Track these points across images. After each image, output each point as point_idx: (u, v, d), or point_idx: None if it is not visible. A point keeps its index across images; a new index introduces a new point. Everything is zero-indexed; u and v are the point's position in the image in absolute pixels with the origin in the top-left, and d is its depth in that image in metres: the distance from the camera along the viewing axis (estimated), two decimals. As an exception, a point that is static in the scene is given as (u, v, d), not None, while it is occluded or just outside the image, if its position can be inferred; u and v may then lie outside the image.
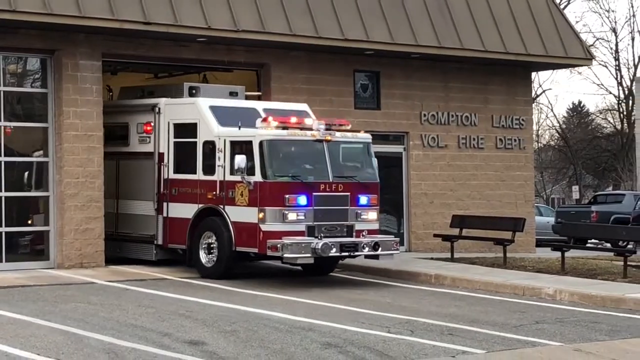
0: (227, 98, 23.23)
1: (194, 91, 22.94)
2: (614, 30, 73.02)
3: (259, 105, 22.71)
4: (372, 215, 21.49)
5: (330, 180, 20.77)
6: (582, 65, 42.19)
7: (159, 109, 22.75)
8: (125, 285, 20.36)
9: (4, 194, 22.59)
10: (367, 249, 20.84)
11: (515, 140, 30.05)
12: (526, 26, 28.41)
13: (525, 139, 30.62)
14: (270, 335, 15.24)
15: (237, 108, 22.31)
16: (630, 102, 70.06)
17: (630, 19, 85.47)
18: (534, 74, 34.71)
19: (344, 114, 24.03)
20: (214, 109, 21.76)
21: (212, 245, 21.28)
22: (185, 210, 21.93)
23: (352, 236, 20.96)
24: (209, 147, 21.50)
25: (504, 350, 14.89)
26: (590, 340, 15.84)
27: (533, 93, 48.08)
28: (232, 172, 20.62)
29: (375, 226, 21.72)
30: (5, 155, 22.69)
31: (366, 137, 22.08)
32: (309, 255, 19.96)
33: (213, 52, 24.61)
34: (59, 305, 17.59)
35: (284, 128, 20.67)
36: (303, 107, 23.43)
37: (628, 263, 23.10)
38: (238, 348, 14.31)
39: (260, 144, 20.26)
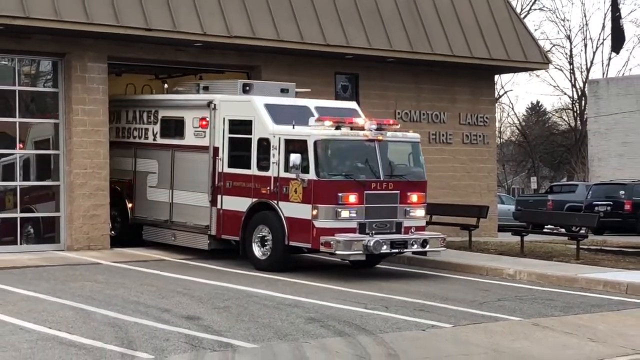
0: (279, 95, 21.68)
1: (247, 88, 21.45)
2: (568, 37, 73.30)
3: (311, 104, 21.00)
4: (420, 212, 20.10)
5: (381, 179, 19.31)
6: (540, 69, 42.34)
7: (215, 105, 21.12)
8: (129, 266, 20.32)
9: (19, 183, 22.58)
10: (415, 245, 19.47)
11: (479, 136, 30.09)
12: (490, 33, 28.44)
13: (489, 135, 30.65)
14: (259, 311, 15.24)
15: (290, 106, 20.72)
16: (583, 102, 70.42)
17: (583, 27, 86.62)
18: (496, 77, 34.72)
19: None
20: (268, 107, 20.20)
21: (265, 239, 19.76)
22: (239, 204, 20.31)
23: (400, 233, 19.51)
24: (264, 144, 19.88)
25: (470, 325, 14.94)
26: (546, 315, 15.90)
27: (496, 94, 48.17)
28: (286, 169, 19.15)
29: (423, 223, 20.37)
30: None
31: (415, 136, 20.63)
32: (360, 252, 18.65)
33: (208, 55, 24.57)
34: (68, 283, 17.57)
35: (337, 127, 19.18)
36: (352, 105, 22.33)
37: (580, 246, 23.28)
38: (230, 322, 14.31)
39: (315, 143, 18.80)
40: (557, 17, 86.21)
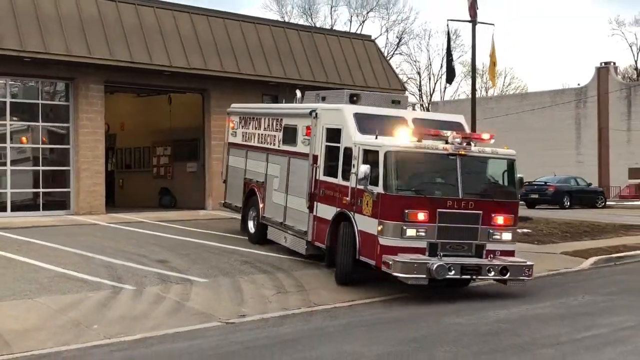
0: (389, 106, 15.22)
1: (354, 98, 15.35)
2: (418, 73, 74.52)
3: (410, 115, 14.47)
4: (507, 236, 12.80)
5: (460, 197, 12.44)
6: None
7: (316, 114, 15.02)
8: (119, 226, 19.98)
9: (41, 167, 22.07)
10: (492, 273, 12.41)
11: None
12: (366, 69, 28.59)
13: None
14: (209, 257, 15.17)
15: (384, 116, 14.05)
16: (428, 116, 71.52)
17: (428, 66, 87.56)
18: (371, 98, 35.02)
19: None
20: (357, 116, 13.91)
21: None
22: (327, 212, 14.09)
23: (481, 257, 12.57)
24: (348, 153, 13.63)
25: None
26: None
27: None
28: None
29: (510, 248, 12.94)
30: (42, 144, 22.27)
31: (509, 153, 13.20)
32: (423, 276, 11.98)
33: (175, 80, 24.24)
34: (75, 237, 17.22)
35: (419, 140, 12.68)
36: (457, 118, 15.10)
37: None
38: (189, 264, 14.25)
39: (386, 154, 12.48)
40: (411, 59, 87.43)
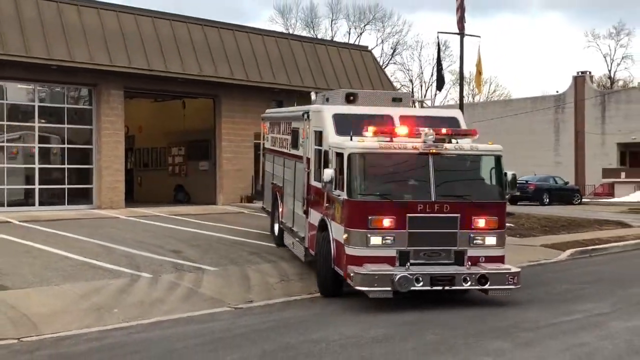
0: (389, 104, 12.74)
1: (351, 98, 12.82)
2: (411, 81, 74.41)
3: (396, 112, 12.04)
4: (491, 240, 10.50)
5: (433, 199, 10.26)
6: (393, 100, 42.45)
7: (308, 115, 12.95)
8: (137, 219, 20.00)
9: (66, 165, 22.06)
10: (469, 282, 10.19)
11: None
12: (364, 77, 28.64)
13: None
14: (219, 248, 15.20)
15: (368, 115, 11.77)
16: (419, 120, 71.31)
17: (420, 75, 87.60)
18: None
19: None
20: (337, 117, 11.83)
21: None
22: (316, 218, 12.03)
23: (462, 264, 10.37)
24: (327, 156, 11.62)
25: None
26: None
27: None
28: (336, 186, 10.88)
29: (497, 253, 10.63)
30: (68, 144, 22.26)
31: (492, 149, 10.88)
32: (387, 288, 9.93)
33: (188, 86, 24.28)
34: (97, 229, 17.25)
35: (390, 139, 10.62)
36: (453, 113, 12.71)
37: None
38: (201, 254, 14.27)
39: (349, 157, 10.46)
40: (404, 68, 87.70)
